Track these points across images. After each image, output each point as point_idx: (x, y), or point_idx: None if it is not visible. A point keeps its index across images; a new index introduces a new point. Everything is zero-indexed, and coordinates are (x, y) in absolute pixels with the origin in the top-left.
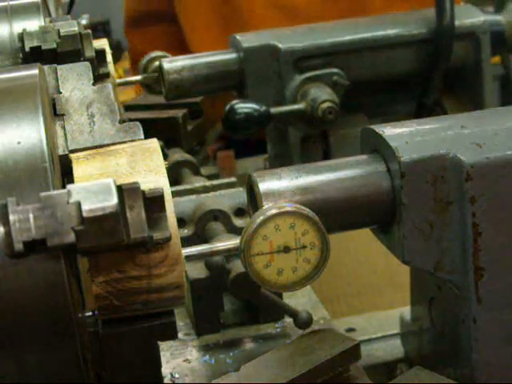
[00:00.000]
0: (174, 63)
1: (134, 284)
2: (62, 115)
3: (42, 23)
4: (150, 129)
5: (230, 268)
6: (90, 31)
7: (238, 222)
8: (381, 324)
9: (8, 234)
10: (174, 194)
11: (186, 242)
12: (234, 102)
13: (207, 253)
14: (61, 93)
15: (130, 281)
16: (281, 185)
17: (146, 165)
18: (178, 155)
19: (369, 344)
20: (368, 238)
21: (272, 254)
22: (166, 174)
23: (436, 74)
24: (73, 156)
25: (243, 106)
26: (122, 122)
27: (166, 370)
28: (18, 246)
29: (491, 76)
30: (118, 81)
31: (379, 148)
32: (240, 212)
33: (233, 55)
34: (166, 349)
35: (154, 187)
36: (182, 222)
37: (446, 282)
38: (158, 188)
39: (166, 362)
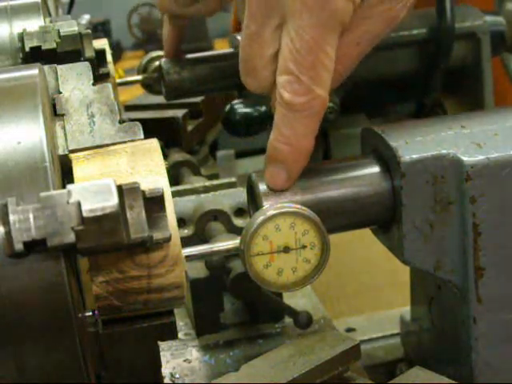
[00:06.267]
0: (173, 63)
1: (133, 284)
2: (62, 115)
3: (42, 23)
4: (150, 129)
5: (230, 268)
6: (89, 31)
7: (238, 221)
8: (381, 324)
9: (8, 233)
10: (174, 194)
11: (186, 242)
12: (234, 102)
13: (207, 253)
14: (61, 93)
15: (130, 281)
16: None
17: (145, 165)
18: (178, 155)
19: (369, 344)
20: (368, 238)
21: (272, 254)
22: (166, 174)
23: (436, 74)
24: (73, 156)
25: (243, 106)
26: (122, 122)
27: (166, 369)
28: (18, 246)
29: (491, 76)
30: (118, 81)
31: (379, 148)
32: (240, 212)
33: (233, 55)
34: (166, 349)
35: (154, 187)
36: (182, 222)
37: (445, 282)
38: (157, 188)
39: (165, 361)
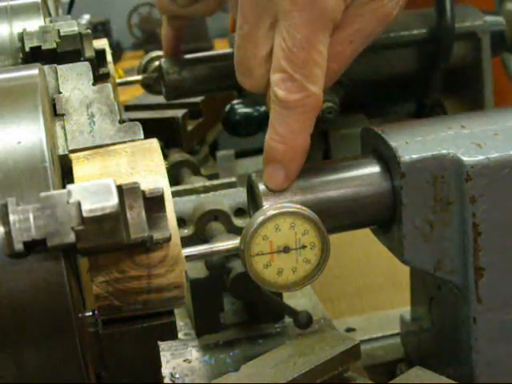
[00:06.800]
0: (173, 63)
1: (133, 284)
2: (62, 115)
3: (42, 23)
4: (150, 129)
5: (230, 268)
6: (89, 31)
7: (238, 222)
8: (381, 324)
9: (8, 233)
10: (174, 194)
11: (186, 242)
12: (234, 102)
13: (207, 253)
14: (61, 93)
15: (130, 281)
16: None
17: (145, 165)
18: (178, 155)
19: (369, 344)
20: (368, 238)
21: (272, 254)
22: (166, 174)
23: (436, 74)
24: (73, 156)
25: (243, 106)
26: (121, 122)
27: (166, 369)
28: (18, 246)
29: (491, 76)
30: (118, 81)
31: (379, 148)
32: (240, 212)
33: (232, 55)
34: (166, 349)
35: (154, 187)
36: (182, 222)
37: (445, 282)
38: (157, 188)
39: (165, 361)
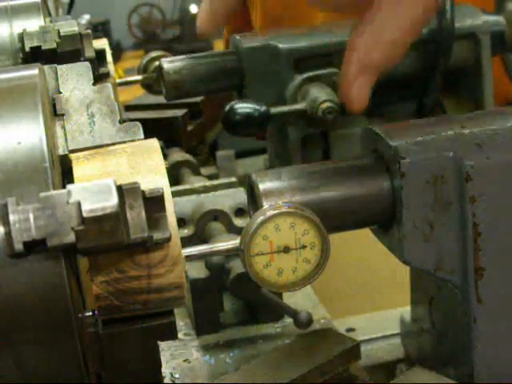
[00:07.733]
0: (173, 63)
1: (133, 284)
2: (62, 115)
3: (42, 23)
4: (150, 129)
5: (230, 268)
6: (90, 31)
7: (238, 221)
8: (381, 324)
9: (8, 234)
10: (174, 194)
11: (186, 242)
12: (234, 102)
13: (207, 253)
14: (61, 93)
15: (130, 281)
16: (281, 185)
17: (146, 165)
18: (178, 155)
19: (369, 344)
20: (368, 238)
21: (272, 254)
22: (166, 174)
23: (436, 74)
24: (73, 156)
25: (243, 106)
26: (122, 122)
27: (166, 369)
28: (18, 246)
29: (491, 76)
30: (118, 81)
31: (379, 148)
32: (240, 212)
33: (233, 55)
34: (166, 349)
35: (154, 187)
36: (182, 222)
37: (446, 282)
38: (157, 188)
39: (165, 361)
